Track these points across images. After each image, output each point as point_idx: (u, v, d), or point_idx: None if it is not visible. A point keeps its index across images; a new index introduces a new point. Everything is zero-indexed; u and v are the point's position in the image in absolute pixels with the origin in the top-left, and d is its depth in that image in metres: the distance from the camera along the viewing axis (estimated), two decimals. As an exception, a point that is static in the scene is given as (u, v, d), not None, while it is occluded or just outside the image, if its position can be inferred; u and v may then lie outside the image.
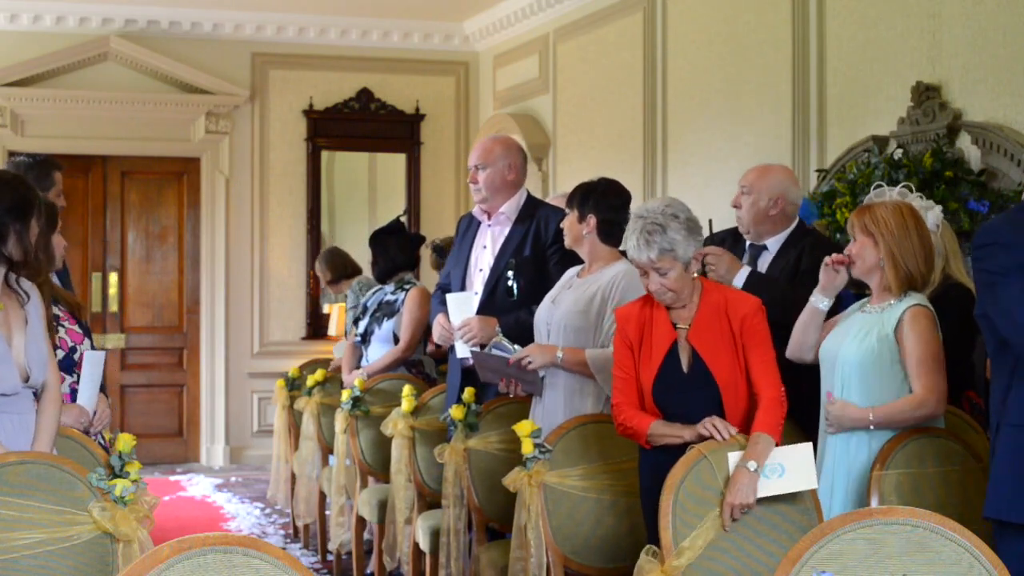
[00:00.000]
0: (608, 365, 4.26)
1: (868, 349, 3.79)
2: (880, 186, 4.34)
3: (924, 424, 3.81)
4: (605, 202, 4.50)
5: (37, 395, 3.57)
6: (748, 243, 4.78)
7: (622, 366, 3.76)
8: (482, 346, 4.84)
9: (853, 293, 4.39)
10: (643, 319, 3.74)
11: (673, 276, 3.66)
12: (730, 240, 4.88)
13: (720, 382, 3.64)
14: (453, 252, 5.41)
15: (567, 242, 4.61)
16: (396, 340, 6.39)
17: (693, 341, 3.68)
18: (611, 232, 4.49)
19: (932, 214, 4.43)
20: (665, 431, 3.64)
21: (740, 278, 4.42)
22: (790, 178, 4.81)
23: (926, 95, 5.84)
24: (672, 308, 3.73)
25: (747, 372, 3.67)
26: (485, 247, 5.17)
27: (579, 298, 4.47)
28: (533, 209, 5.14)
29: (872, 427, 3.77)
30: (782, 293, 4.40)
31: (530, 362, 4.48)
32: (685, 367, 3.67)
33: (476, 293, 5.11)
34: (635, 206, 3.80)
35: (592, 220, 4.47)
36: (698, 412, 3.63)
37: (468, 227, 5.30)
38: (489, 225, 5.18)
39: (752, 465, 3.47)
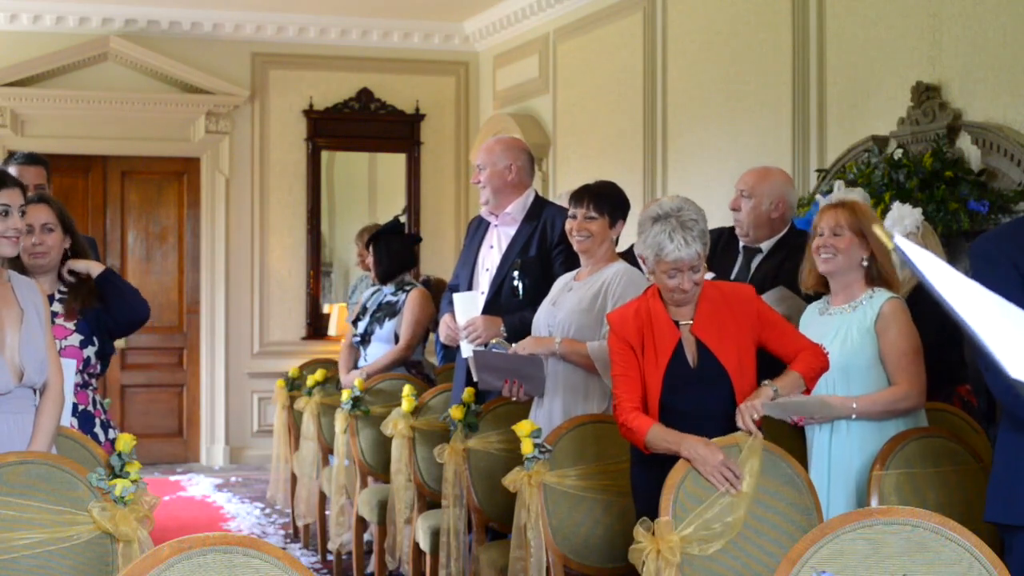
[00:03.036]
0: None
1: (852, 348, 3.80)
2: (854, 188, 4.34)
3: (905, 416, 3.82)
4: (627, 206, 4.55)
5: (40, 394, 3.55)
6: (742, 245, 4.78)
7: (623, 363, 3.68)
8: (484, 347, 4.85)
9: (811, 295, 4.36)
10: (640, 321, 3.69)
11: (702, 271, 3.67)
12: (724, 239, 4.88)
13: (731, 372, 3.63)
14: (462, 252, 5.45)
15: (585, 246, 4.51)
16: (397, 340, 6.39)
17: (699, 334, 3.66)
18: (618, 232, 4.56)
19: (912, 218, 4.43)
20: (665, 436, 3.55)
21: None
22: (789, 181, 4.83)
23: (926, 95, 5.84)
24: (672, 306, 3.72)
25: (764, 352, 3.70)
26: (492, 247, 5.19)
27: (583, 297, 4.45)
28: (540, 209, 5.15)
29: (854, 416, 3.78)
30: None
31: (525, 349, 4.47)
32: (692, 362, 3.65)
33: (482, 293, 5.12)
34: (648, 209, 3.75)
35: (621, 225, 4.51)
36: (710, 406, 3.62)
37: (478, 228, 5.33)
38: (496, 225, 5.20)
39: (774, 388, 3.56)
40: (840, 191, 4.31)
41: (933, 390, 4.11)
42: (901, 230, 4.49)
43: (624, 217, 4.52)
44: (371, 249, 6.63)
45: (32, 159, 5.64)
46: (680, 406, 3.63)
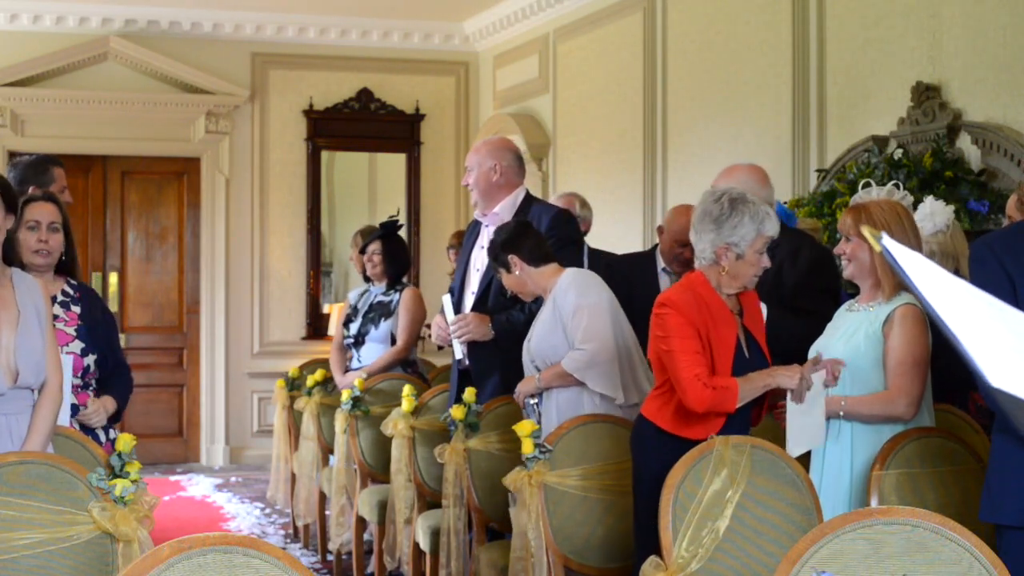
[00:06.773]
0: (586, 358, 4.29)
1: (854, 348, 3.79)
2: (868, 184, 4.24)
3: (894, 423, 3.79)
4: (512, 241, 4.57)
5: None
6: None
7: (691, 342, 3.60)
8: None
9: (848, 293, 4.37)
10: (702, 309, 3.65)
11: None
12: None
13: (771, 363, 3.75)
14: (460, 254, 5.53)
15: (524, 299, 4.69)
16: (393, 340, 6.39)
17: (749, 326, 3.74)
18: (537, 255, 4.56)
19: (943, 215, 4.38)
20: (751, 381, 3.60)
21: (764, 309, 4.37)
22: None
23: (926, 95, 5.84)
24: (730, 292, 3.73)
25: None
26: (483, 247, 5.21)
27: (544, 320, 4.52)
28: (527, 208, 5.18)
29: (842, 414, 3.77)
30: (792, 325, 4.38)
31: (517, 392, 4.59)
32: (747, 353, 3.71)
33: (473, 292, 5.16)
34: (711, 197, 3.68)
35: (516, 260, 4.54)
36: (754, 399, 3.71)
37: (473, 229, 5.39)
38: (486, 226, 5.23)
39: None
40: (867, 191, 4.20)
41: (949, 393, 4.11)
42: (931, 227, 4.43)
43: (510, 249, 4.55)
44: (383, 247, 6.58)
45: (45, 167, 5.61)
46: None
